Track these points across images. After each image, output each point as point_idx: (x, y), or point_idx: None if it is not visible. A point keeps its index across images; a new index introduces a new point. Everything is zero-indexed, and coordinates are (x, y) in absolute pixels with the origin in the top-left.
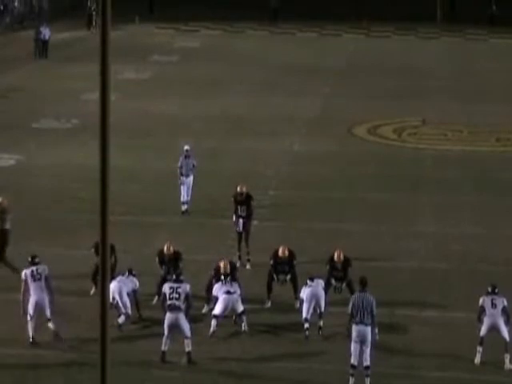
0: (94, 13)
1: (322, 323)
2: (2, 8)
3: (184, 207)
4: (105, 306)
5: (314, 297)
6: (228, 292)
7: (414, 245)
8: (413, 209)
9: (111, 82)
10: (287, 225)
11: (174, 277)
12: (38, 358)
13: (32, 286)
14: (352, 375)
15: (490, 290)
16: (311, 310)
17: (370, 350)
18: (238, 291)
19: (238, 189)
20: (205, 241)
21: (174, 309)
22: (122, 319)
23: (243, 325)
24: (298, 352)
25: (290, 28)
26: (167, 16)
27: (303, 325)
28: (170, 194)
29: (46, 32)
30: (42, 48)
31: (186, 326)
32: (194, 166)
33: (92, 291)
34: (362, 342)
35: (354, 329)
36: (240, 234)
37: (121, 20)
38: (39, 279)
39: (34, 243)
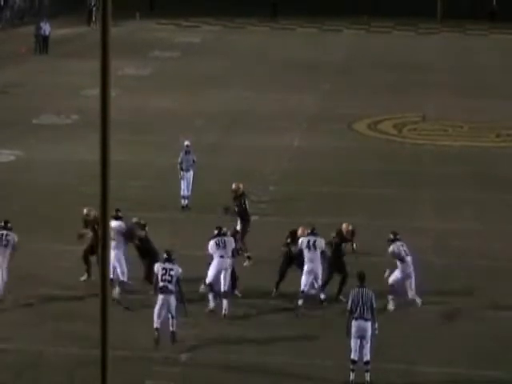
0: (94, 8)
1: (322, 296)
2: (2, 3)
3: (184, 202)
4: (105, 300)
5: (312, 271)
6: (222, 257)
7: (413, 240)
8: (413, 204)
9: (111, 78)
10: (287, 220)
11: (166, 255)
12: (38, 354)
13: None
14: (352, 370)
15: (392, 236)
16: (309, 282)
17: (370, 345)
18: (230, 253)
19: (234, 186)
20: (205, 236)
21: (166, 292)
22: (116, 292)
23: (224, 308)
24: (298, 347)
25: (291, 24)
26: (167, 12)
27: (298, 299)
28: (170, 189)
29: (46, 28)
30: (43, 44)
31: (174, 307)
32: (194, 161)
33: (83, 278)
34: (361, 337)
35: (354, 324)
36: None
37: (121, 16)
38: (5, 245)
39: (34, 238)
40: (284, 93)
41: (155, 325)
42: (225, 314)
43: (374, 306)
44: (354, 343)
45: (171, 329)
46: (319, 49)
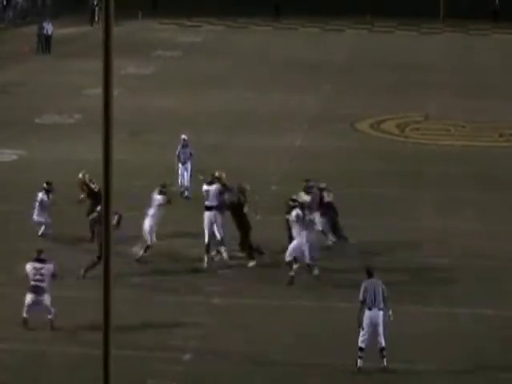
0: (96, 8)
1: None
2: (5, 3)
3: (184, 193)
4: (107, 302)
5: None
6: (206, 208)
7: (415, 240)
8: (414, 204)
9: (114, 78)
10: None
11: (36, 255)
12: (38, 354)
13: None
14: (360, 357)
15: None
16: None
17: (384, 331)
18: (215, 203)
19: (216, 173)
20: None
21: (38, 292)
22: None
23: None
24: (302, 346)
25: (293, 23)
26: (170, 11)
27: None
28: (171, 188)
29: (48, 27)
30: (45, 43)
31: (48, 302)
32: (191, 154)
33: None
34: (375, 325)
35: (367, 315)
36: None
37: (124, 15)
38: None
39: (35, 238)
40: (285, 93)
41: (24, 315)
42: (225, 259)
43: (386, 294)
44: (365, 332)
45: (50, 317)
46: (321, 49)
